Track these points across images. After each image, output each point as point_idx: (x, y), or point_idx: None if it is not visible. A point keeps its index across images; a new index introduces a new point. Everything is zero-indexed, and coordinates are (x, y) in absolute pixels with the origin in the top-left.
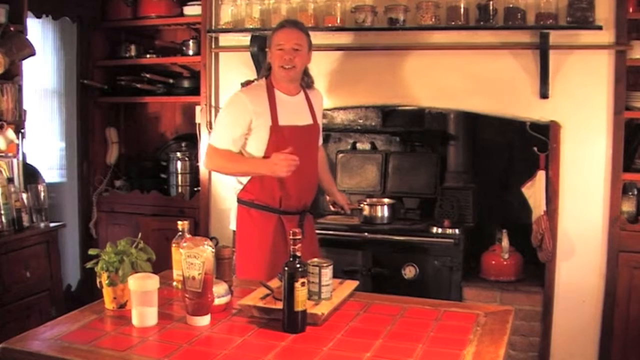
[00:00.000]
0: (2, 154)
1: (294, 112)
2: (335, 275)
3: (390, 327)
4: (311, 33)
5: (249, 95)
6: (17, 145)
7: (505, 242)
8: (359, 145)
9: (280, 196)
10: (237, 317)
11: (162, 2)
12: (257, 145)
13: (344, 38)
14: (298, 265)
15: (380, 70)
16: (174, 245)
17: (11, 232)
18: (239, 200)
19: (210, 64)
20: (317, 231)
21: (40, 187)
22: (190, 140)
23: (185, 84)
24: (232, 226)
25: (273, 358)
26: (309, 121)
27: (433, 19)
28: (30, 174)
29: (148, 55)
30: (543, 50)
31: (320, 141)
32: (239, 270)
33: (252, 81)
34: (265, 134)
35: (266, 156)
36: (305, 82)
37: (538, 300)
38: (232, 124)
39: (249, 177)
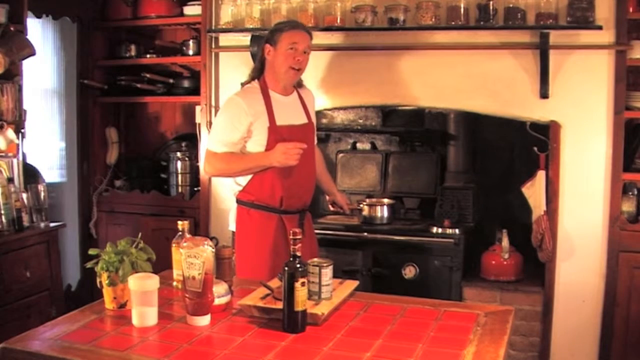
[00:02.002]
0: (2, 154)
1: (289, 111)
2: (335, 275)
3: (390, 327)
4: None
5: (245, 98)
6: (17, 145)
7: (505, 242)
8: (359, 145)
9: (280, 196)
10: (237, 317)
11: (162, 2)
12: (255, 147)
13: (344, 38)
14: (298, 265)
15: (380, 70)
16: (174, 245)
17: (11, 232)
18: (239, 201)
19: (210, 64)
20: (317, 231)
21: (40, 187)
22: (190, 140)
23: (185, 84)
24: (232, 227)
25: (273, 358)
26: (304, 120)
27: (433, 19)
28: (30, 174)
29: (148, 55)
30: (543, 50)
31: (315, 141)
32: (239, 272)
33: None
34: (263, 135)
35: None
36: (297, 81)
37: (538, 300)
38: (231, 128)
39: (247, 179)
